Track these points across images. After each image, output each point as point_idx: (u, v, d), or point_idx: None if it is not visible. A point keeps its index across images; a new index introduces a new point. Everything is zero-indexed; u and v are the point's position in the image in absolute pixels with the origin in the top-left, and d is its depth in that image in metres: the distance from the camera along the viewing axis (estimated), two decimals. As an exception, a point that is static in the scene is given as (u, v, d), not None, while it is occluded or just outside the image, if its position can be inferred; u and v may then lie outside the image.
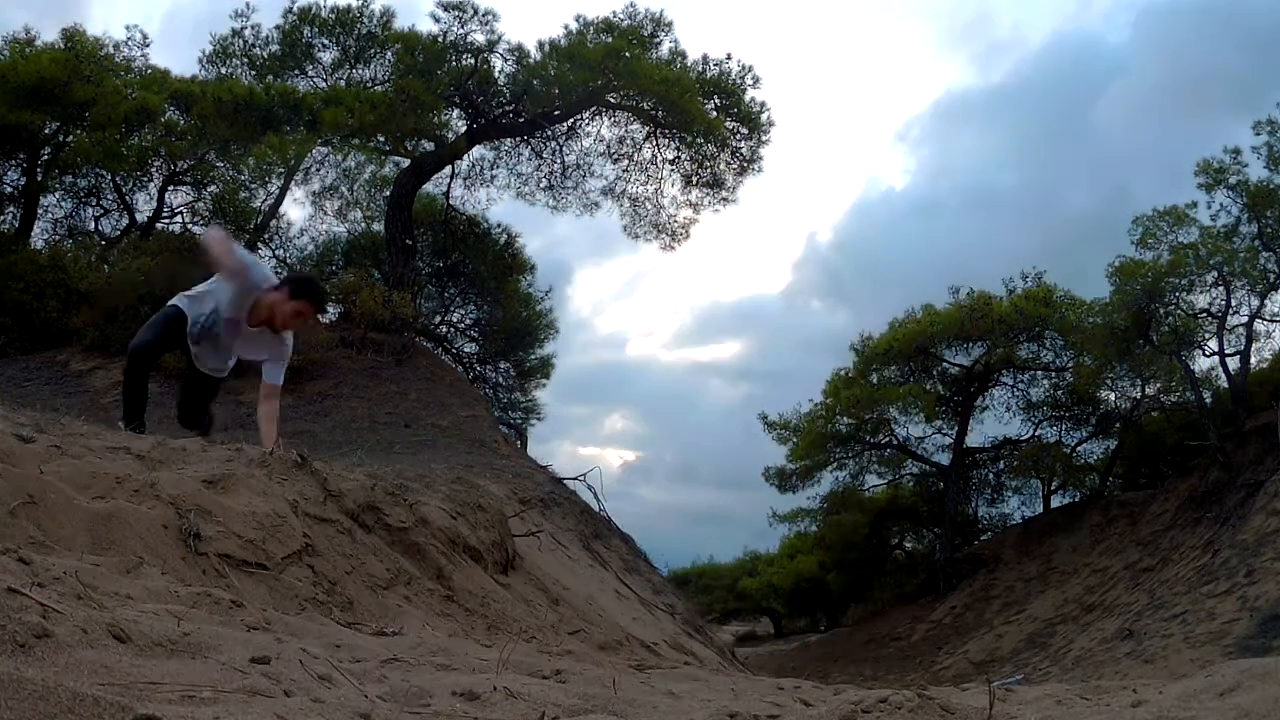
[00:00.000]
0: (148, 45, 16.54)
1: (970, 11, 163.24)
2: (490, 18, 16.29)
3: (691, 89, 15.74)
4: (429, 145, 16.82)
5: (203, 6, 39.27)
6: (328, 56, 17.04)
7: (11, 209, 15.90)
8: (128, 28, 36.11)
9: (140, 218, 16.61)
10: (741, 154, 17.07)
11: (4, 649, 1.26)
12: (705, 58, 16.50)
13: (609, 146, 17.51)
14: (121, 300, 12.35)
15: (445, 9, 16.06)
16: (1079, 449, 21.13)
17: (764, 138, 16.82)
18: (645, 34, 16.27)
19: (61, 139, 15.76)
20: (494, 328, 19.62)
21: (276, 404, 4.53)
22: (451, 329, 20.08)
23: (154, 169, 16.21)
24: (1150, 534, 16.15)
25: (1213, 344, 16.92)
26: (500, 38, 16.47)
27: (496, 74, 16.65)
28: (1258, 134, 15.85)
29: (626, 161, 17.56)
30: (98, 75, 15.03)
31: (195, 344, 4.57)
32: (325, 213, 18.11)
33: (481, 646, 2.77)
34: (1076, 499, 20.89)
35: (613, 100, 16.64)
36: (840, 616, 26.44)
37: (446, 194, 18.29)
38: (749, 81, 16.60)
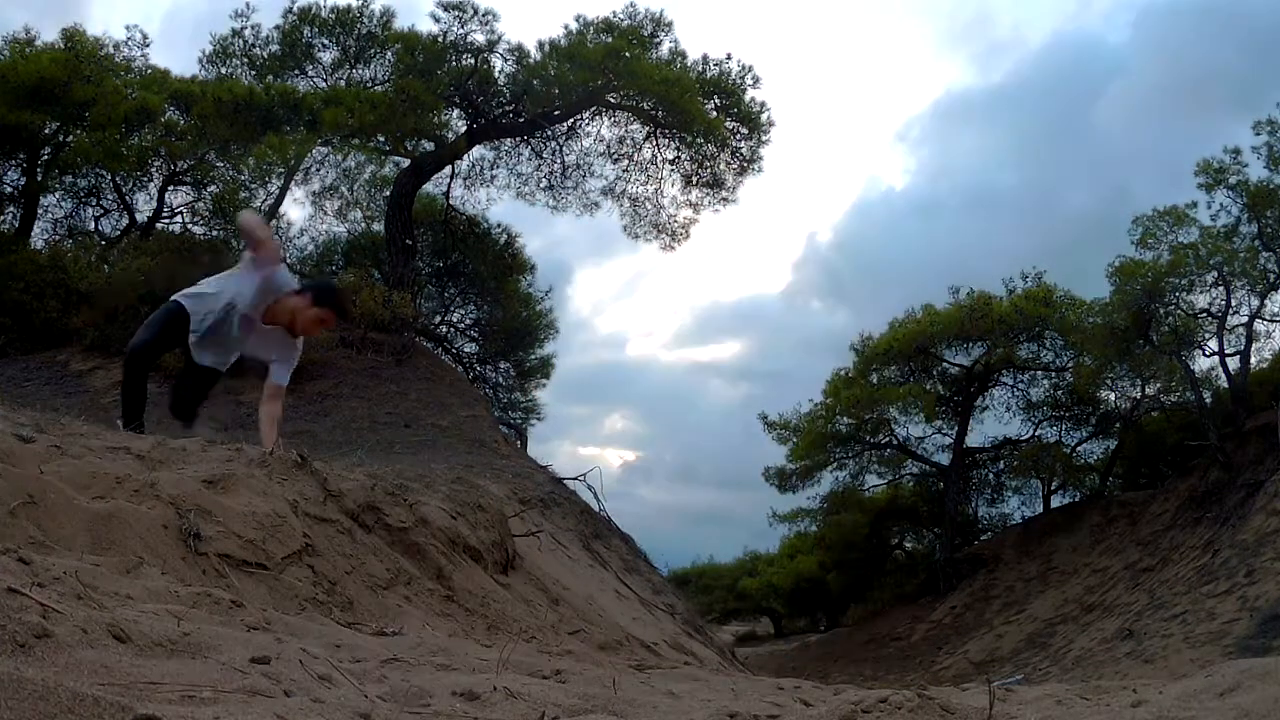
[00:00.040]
0: (148, 45, 16.55)
1: (970, 11, 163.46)
2: (490, 18, 16.32)
3: (691, 89, 15.73)
4: (429, 145, 16.81)
5: (203, 6, 39.36)
6: (328, 56, 17.04)
7: (11, 209, 15.90)
8: (128, 28, 36.10)
9: (140, 218, 16.62)
10: (741, 154, 17.07)
11: (4, 649, 1.26)
12: (705, 58, 16.53)
13: (609, 146, 17.53)
14: (121, 300, 12.34)
15: (445, 9, 16.09)
16: (1079, 449, 21.18)
17: (764, 138, 16.85)
18: (645, 34, 16.27)
19: (61, 139, 15.74)
20: (494, 328, 19.62)
21: (279, 405, 4.48)
22: (451, 329, 20.10)
23: (154, 169, 16.20)
24: (1150, 534, 16.15)
25: (1213, 344, 16.97)
26: (500, 38, 16.50)
27: (496, 74, 16.65)
28: (1258, 134, 15.91)
29: (626, 161, 17.59)
30: (98, 75, 15.02)
31: (199, 341, 4.49)
32: (325, 213, 18.18)
33: (481, 646, 2.77)
34: (1076, 499, 20.91)
35: (613, 100, 16.64)
36: (840, 616, 26.44)
37: (446, 194, 18.30)
38: (749, 81, 16.63)
